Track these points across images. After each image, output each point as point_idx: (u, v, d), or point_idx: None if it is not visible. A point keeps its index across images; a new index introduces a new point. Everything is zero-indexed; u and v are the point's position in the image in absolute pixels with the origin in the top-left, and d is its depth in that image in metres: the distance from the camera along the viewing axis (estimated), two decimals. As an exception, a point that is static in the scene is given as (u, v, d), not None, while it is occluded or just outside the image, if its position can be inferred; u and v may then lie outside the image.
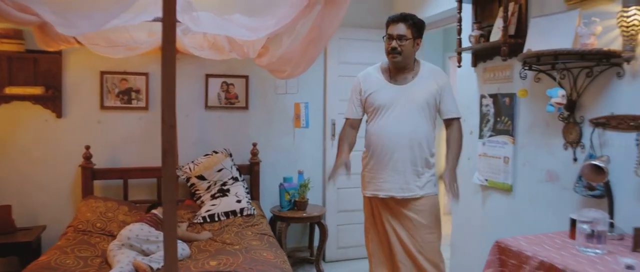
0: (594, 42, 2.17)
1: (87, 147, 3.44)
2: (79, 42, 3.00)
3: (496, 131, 2.88)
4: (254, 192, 3.84)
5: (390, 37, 2.40)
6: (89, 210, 3.17)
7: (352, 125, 2.59)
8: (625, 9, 2.04)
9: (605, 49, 2.12)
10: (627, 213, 2.10)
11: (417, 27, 2.42)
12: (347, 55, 4.04)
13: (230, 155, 3.68)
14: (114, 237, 2.87)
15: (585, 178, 2.15)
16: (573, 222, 2.04)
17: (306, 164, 4.06)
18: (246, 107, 3.90)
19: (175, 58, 1.09)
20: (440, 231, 2.51)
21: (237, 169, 3.66)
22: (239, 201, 3.39)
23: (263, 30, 2.43)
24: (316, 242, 3.96)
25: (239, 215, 3.33)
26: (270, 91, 3.98)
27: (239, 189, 3.51)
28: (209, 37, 2.91)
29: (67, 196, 3.53)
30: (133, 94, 3.60)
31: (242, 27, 2.44)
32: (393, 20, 2.41)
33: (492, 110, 2.92)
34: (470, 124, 3.11)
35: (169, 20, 1.15)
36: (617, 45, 2.14)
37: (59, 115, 3.47)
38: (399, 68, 2.45)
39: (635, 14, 2.02)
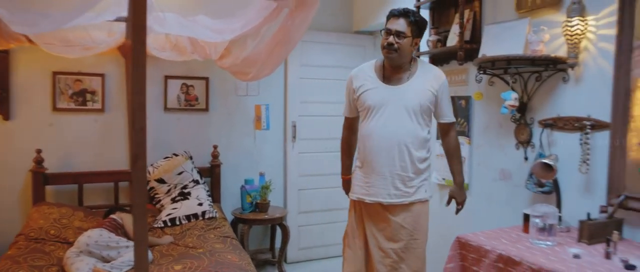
0: (543, 49, 2.33)
1: (38, 151, 3.29)
2: (30, 41, 2.87)
3: (453, 132, 3.01)
4: (215, 194, 3.80)
5: (388, 32, 2.21)
6: (41, 217, 3.04)
7: (351, 125, 2.47)
8: (569, 19, 2.21)
9: (553, 55, 2.28)
10: (573, 207, 2.27)
11: (418, 25, 2.23)
12: (308, 57, 4.09)
13: (191, 157, 3.63)
14: (70, 244, 2.76)
15: (536, 176, 2.30)
16: (526, 217, 2.18)
17: (267, 166, 4.06)
18: (206, 109, 3.86)
19: (146, 60, 1.09)
20: (426, 236, 2.35)
21: (198, 172, 3.62)
22: (200, 204, 3.35)
23: (229, 32, 2.42)
24: (278, 244, 3.97)
25: (200, 218, 3.29)
26: (231, 93, 3.96)
27: (200, 192, 3.47)
28: (171, 38, 2.87)
29: (15, 203, 3.36)
30: (88, 96, 3.48)
31: (207, 28, 2.42)
32: (394, 15, 2.23)
33: (449, 112, 3.05)
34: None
35: (139, 21, 1.15)
36: (562, 52, 2.31)
37: (7, 117, 3.30)
38: (395, 67, 2.27)
39: (577, 24, 2.19)
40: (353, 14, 4.32)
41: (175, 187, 3.46)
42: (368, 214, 2.33)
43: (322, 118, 4.15)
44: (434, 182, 3.17)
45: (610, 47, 2.11)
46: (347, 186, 2.50)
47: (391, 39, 2.19)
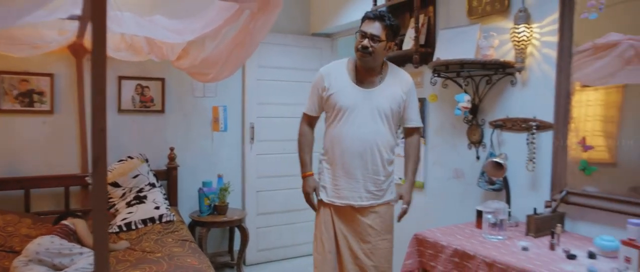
0: (493, 54, 2.46)
1: (-20, 155, 3.11)
2: (-29, 39, 2.72)
3: (409, 133, 3.11)
4: (172, 197, 3.73)
5: (363, 35, 2.19)
6: (-16, 225, 2.87)
7: (310, 123, 2.40)
8: (516, 26, 2.35)
9: (502, 60, 2.42)
10: (521, 203, 2.41)
11: (392, 30, 2.22)
12: (266, 59, 4.09)
13: (147, 160, 3.54)
14: (17, 253, 2.63)
15: (487, 174, 2.43)
16: (479, 213, 2.29)
17: (226, 168, 4.03)
18: (162, 111, 3.78)
19: (106, 59, 1.08)
20: (393, 237, 2.40)
21: (154, 175, 3.54)
22: (157, 208, 3.28)
23: (189, 33, 2.39)
24: (237, 246, 3.95)
25: (157, 222, 3.22)
26: (187, 94, 3.90)
27: (156, 195, 3.39)
28: (126, 37, 2.80)
29: (-45, 210, 3.16)
30: (35, 97, 3.32)
31: (166, 29, 2.38)
32: (369, 17, 2.21)
33: (405, 113, 3.15)
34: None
35: (99, 20, 1.13)
36: (510, 57, 2.45)
37: (-56, 119, 3.10)
38: (367, 69, 2.25)
39: (523, 31, 2.33)
40: (310, 17, 4.36)
41: (131, 191, 3.37)
42: (338, 216, 2.30)
43: (280, 120, 4.17)
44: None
45: (553, 53, 2.26)
46: (308, 183, 2.39)
47: (366, 42, 2.17)
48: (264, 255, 4.21)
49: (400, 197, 2.40)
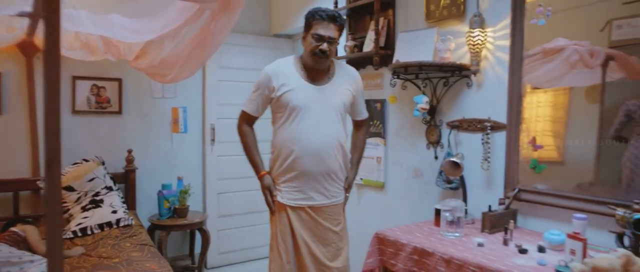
0: (450, 57, 2.54)
1: None
2: None
3: (369, 134, 3.17)
4: (130, 201, 3.63)
5: (320, 38, 2.13)
6: None
7: (250, 122, 2.34)
8: (471, 30, 2.43)
9: (458, 62, 2.50)
10: (477, 200, 2.50)
11: (342, 28, 2.22)
12: (226, 60, 4.05)
13: (103, 163, 3.43)
14: (-38, 261, 2.49)
15: (445, 173, 2.50)
16: (437, 212, 2.36)
17: (186, 170, 3.96)
18: (120, 112, 3.67)
19: (59, 59, 1.05)
20: (347, 236, 2.39)
21: (111, 178, 3.44)
22: (114, 212, 3.19)
23: (148, 32, 2.33)
24: (198, 249, 3.88)
25: (115, 226, 3.13)
26: (146, 95, 3.81)
27: (113, 199, 3.29)
28: (81, 36, 2.70)
29: None
30: (-19, 97, 3.16)
31: (124, 28, 2.31)
32: (324, 19, 2.14)
33: (366, 114, 3.20)
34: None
35: (52, 18, 1.09)
36: (466, 60, 2.53)
37: None
38: (318, 68, 2.24)
39: (478, 35, 2.42)
40: (271, 18, 4.36)
41: (86, 195, 3.26)
42: (298, 221, 2.23)
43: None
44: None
45: (505, 57, 2.36)
46: (266, 182, 2.30)
47: (325, 46, 2.14)
48: (226, 258, 4.16)
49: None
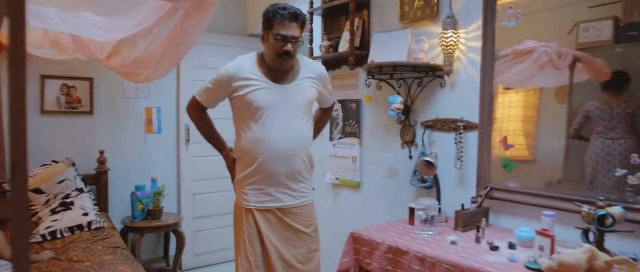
0: (423, 57, 2.57)
1: None
2: None
3: (345, 134, 3.18)
4: (102, 203, 3.56)
5: (284, 38, 2.05)
6: None
7: (203, 109, 2.27)
8: (444, 31, 2.47)
9: (432, 63, 2.53)
10: (450, 199, 2.54)
11: (304, 25, 2.16)
12: (201, 59, 4.01)
13: (74, 164, 3.36)
14: None
15: (419, 172, 2.53)
16: (411, 211, 2.39)
17: (160, 171, 3.91)
18: (91, 112, 3.60)
19: (25, 57, 1.02)
20: (319, 237, 2.31)
21: (82, 180, 3.36)
22: (85, 214, 3.12)
23: (120, 31, 2.28)
24: (172, 252, 3.83)
25: (86, 229, 3.07)
26: (118, 95, 3.73)
27: (84, 201, 3.22)
28: (50, 34, 2.63)
29: None
30: (-56, 97, 3.05)
31: (95, 26, 2.26)
32: (286, 18, 2.05)
33: (341, 114, 3.21)
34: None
35: (17, 14, 1.06)
36: (439, 60, 2.57)
37: None
38: (283, 68, 2.16)
39: (451, 36, 2.46)
40: (247, 17, 4.33)
41: (56, 197, 3.18)
42: (266, 225, 2.14)
43: (216, 121, 4.06)
44: (327, 182, 3.31)
45: (477, 57, 2.40)
46: (232, 162, 2.25)
47: (289, 46, 2.06)
48: (202, 259, 4.12)
49: None
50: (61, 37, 2.68)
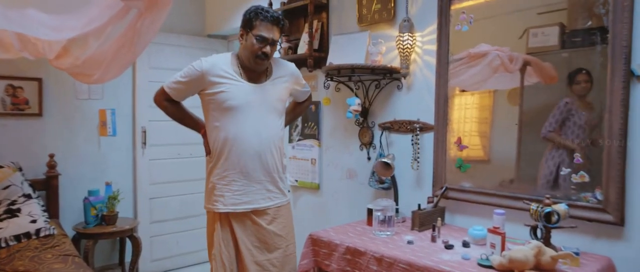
0: (381, 60, 2.61)
1: None
2: None
3: (304, 135, 3.18)
4: (52, 209, 3.40)
5: (264, 40, 2.05)
6: None
7: (172, 101, 2.23)
8: (401, 34, 2.51)
9: (389, 65, 2.57)
10: (407, 199, 2.58)
11: (283, 31, 2.19)
12: (158, 60, 3.91)
13: (21, 169, 3.20)
14: None
15: (377, 173, 2.56)
16: (370, 211, 2.41)
17: (115, 175, 3.78)
18: (40, 114, 3.44)
19: None
20: (294, 238, 2.30)
21: (30, 185, 3.20)
22: (33, 221, 2.98)
23: (69, 30, 2.18)
24: (129, 258, 3.72)
25: (34, 237, 2.92)
26: (70, 96, 3.59)
27: (32, 208, 3.07)
28: (-7, 33, 2.49)
29: None
30: None
31: (42, 25, 2.15)
32: (268, 21, 2.07)
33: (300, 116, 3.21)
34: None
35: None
36: (397, 63, 2.61)
37: None
38: (259, 69, 2.17)
39: (407, 39, 2.50)
40: (205, 18, 4.26)
41: (0, 204, 3.02)
42: (239, 227, 2.12)
43: (174, 123, 3.98)
44: (288, 184, 3.30)
45: (433, 60, 2.46)
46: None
47: (268, 48, 2.07)
48: (160, 264, 4.01)
49: None
50: (5, 36, 2.54)
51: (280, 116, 2.22)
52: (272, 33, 2.09)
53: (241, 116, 2.09)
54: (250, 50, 2.08)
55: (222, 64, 2.12)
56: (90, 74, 2.58)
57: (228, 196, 2.11)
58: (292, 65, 2.33)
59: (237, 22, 3.76)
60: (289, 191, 2.32)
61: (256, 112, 2.11)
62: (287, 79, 2.25)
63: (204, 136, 2.23)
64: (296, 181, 3.25)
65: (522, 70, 2.19)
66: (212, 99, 2.09)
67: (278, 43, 2.16)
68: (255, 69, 2.14)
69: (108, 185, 3.56)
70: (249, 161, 2.10)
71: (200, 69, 2.09)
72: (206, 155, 2.23)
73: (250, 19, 2.08)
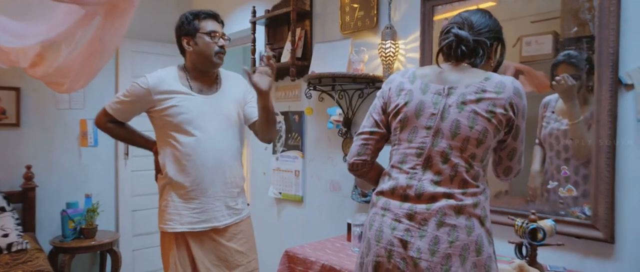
0: (363, 68, 2.52)
1: None
2: None
3: (288, 147, 3.08)
4: (28, 222, 3.30)
5: (216, 34, 1.98)
6: None
7: (114, 121, 2.11)
8: (384, 42, 2.43)
9: (371, 74, 2.48)
10: (391, 214, 2.47)
11: (223, 28, 2.11)
12: (141, 69, 3.81)
13: (-5, 181, 3.11)
14: None
15: (358, 187, 2.46)
16: (349, 227, 2.31)
17: (96, 187, 3.68)
18: (17, 125, 3.35)
19: None
20: (257, 254, 2.18)
21: (5, 197, 3.10)
22: (5, 235, 2.87)
23: (33, 37, 2.10)
24: (109, 272, 3.61)
25: (5, 252, 2.82)
26: (49, 106, 3.50)
27: (6, 221, 2.97)
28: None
29: None
30: None
31: (5, 31, 2.07)
32: (211, 16, 2.01)
33: (284, 127, 3.11)
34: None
35: None
36: (379, 71, 2.52)
37: None
38: (205, 75, 2.06)
39: (390, 47, 2.41)
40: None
41: (-28, 217, 2.92)
42: (198, 246, 2.00)
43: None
44: (271, 196, 3.19)
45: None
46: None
47: (222, 41, 1.99)
48: (142, 279, 3.90)
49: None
50: (-27, 44, 2.47)
51: (236, 127, 2.10)
52: (219, 27, 2.03)
53: (196, 129, 1.97)
54: (206, 50, 1.99)
55: (169, 79, 2.00)
56: (61, 83, 2.50)
57: (185, 215, 1.98)
58: (238, 75, 2.24)
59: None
60: (248, 205, 2.19)
61: (211, 124, 2.00)
62: (237, 88, 2.15)
63: (156, 153, 2.11)
64: (280, 193, 3.14)
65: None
66: (163, 115, 1.97)
67: (227, 38, 2.07)
68: (214, 70, 2.06)
69: (88, 197, 3.47)
70: (207, 176, 1.98)
71: (146, 86, 1.97)
72: (157, 173, 2.11)
73: (192, 22, 2.00)
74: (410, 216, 1.32)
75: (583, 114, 1.84)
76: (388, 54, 2.42)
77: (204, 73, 2.06)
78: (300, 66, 2.85)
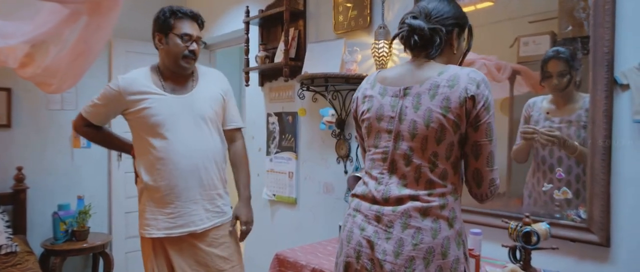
0: (356, 68, 2.48)
1: None
2: None
3: (281, 148, 3.05)
4: (19, 225, 3.27)
5: (189, 38, 1.93)
6: None
7: (90, 125, 2.08)
8: (377, 42, 2.39)
9: (364, 74, 2.44)
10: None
11: (202, 28, 2.05)
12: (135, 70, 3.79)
13: (-16, 183, 3.07)
14: None
15: (350, 188, 2.42)
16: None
17: (88, 188, 3.64)
18: (8, 125, 3.31)
19: None
20: (242, 259, 2.13)
21: (-6, 199, 3.08)
22: (-5, 238, 2.84)
23: (18, 36, 2.07)
24: (101, 275, 3.57)
25: (-6, 254, 2.79)
26: (40, 107, 3.47)
27: (-4, 223, 2.94)
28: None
29: None
30: None
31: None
32: (188, 17, 1.95)
33: (277, 128, 3.08)
34: (259, 141, 3.23)
35: None
36: (373, 71, 2.48)
37: None
38: (179, 75, 2.00)
39: (383, 46, 2.38)
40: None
41: (-40, 220, 2.88)
42: (177, 253, 1.95)
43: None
44: (265, 198, 3.16)
45: (410, 69, 2.33)
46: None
47: (194, 46, 1.94)
48: (135, 282, 3.86)
49: (237, 219, 2.08)
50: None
51: (214, 126, 2.03)
52: (194, 29, 1.97)
53: (168, 132, 1.91)
54: (175, 52, 1.93)
55: (141, 79, 1.96)
56: (49, 83, 2.47)
57: (161, 220, 1.93)
58: (220, 73, 2.18)
59: (217, 31, 3.66)
60: (231, 208, 2.12)
61: (185, 125, 1.94)
62: (215, 86, 2.07)
63: (134, 157, 2.07)
64: (273, 195, 3.11)
65: (511, 79, 2.08)
66: (136, 117, 1.93)
67: (200, 40, 2.01)
68: (182, 72, 1.99)
69: (80, 199, 3.43)
70: (181, 180, 1.92)
71: (117, 88, 1.93)
72: (136, 177, 2.07)
73: (167, 19, 1.93)
74: (378, 218, 1.31)
75: (575, 112, 1.81)
76: (381, 54, 2.38)
77: (176, 72, 2.00)
78: (293, 66, 2.81)
